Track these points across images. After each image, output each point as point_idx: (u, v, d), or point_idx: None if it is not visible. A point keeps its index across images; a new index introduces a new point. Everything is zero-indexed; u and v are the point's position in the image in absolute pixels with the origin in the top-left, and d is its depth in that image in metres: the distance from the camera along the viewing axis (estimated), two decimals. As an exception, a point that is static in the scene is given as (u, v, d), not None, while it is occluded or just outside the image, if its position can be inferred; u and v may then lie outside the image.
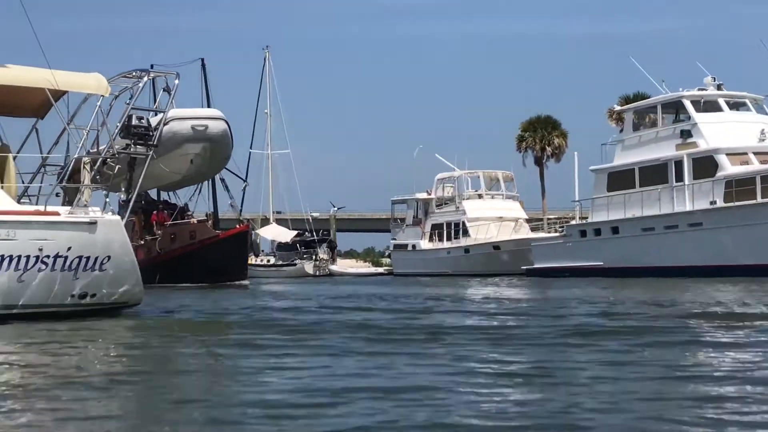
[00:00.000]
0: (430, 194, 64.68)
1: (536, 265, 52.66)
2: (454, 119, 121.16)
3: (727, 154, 43.89)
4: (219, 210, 56.89)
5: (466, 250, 59.78)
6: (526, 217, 62.83)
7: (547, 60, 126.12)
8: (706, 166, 44.48)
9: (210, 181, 52.96)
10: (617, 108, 55.61)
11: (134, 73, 19.49)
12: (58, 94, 19.49)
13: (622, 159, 49.47)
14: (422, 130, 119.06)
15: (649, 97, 61.22)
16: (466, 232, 60.64)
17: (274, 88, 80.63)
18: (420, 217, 64.97)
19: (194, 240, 46.22)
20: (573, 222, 55.57)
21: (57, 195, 19.46)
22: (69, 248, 17.51)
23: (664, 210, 45.91)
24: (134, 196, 19.33)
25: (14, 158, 18.98)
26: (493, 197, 62.68)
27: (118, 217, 18.21)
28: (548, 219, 66.35)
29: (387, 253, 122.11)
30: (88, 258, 17.74)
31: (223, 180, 52.72)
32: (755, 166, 42.94)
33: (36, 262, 17.25)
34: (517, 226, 60.15)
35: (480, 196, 62.61)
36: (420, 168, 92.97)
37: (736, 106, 47.00)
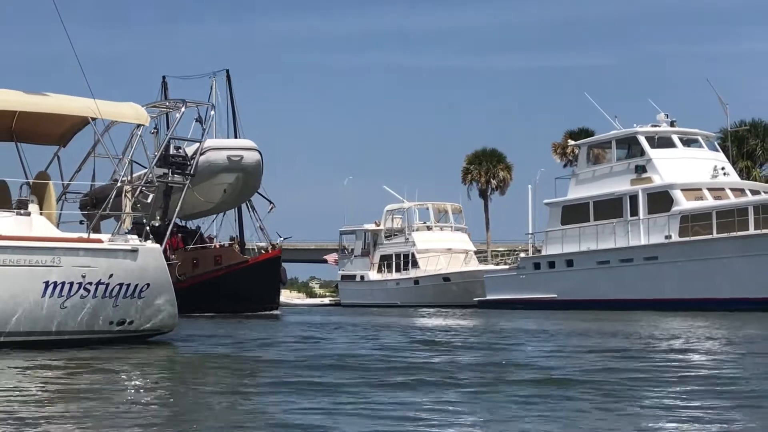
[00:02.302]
0: (378, 225, 64.88)
1: (489, 297, 53.09)
2: (400, 150, 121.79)
3: (682, 190, 44.83)
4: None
5: (416, 281, 60.03)
6: (475, 249, 63.36)
7: (491, 93, 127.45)
8: (661, 200, 45.36)
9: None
10: (571, 142, 56.49)
11: (167, 103, 19.44)
12: (84, 123, 19.42)
13: (576, 193, 50.21)
14: (366, 161, 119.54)
15: (594, 133, 62.65)
16: (415, 264, 60.91)
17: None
18: (368, 248, 65.12)
19: (220, 265, 44.02)
20: (523, 254, 56.26)
21: (81, 222, 19.35)
22: (110, 275, 17.45)
23: (619, 243, 46.67)
24: (172, 223, 19.24)
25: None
26: (441, 229, 63.10)
27: (158, 245, 18.17)
28: (493, 251, 67.04)
29: (317, 284, 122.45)
30: (128, 285, 17.70)
31: (250, 201, 49.30)
32: (710, 201, 43.91)
33: (79, 288, 17.16)
34: (467, 258, 60.62)
35: (429, 228, 62.99)
36: (351, 197, 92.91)
37: (688, 142, 48.09)
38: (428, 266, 59.93)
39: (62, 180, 20.46)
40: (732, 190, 45.23)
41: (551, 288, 49.26)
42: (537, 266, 51.08)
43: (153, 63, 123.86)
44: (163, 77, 57.01)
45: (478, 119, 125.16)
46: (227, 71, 54.04)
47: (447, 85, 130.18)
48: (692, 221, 43.59)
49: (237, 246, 47.59)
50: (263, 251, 46.52)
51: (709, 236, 42.51)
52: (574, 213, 49.54)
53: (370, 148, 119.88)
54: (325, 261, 68.73)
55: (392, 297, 59.94)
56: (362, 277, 64.69)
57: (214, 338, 20.99)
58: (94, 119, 19.11)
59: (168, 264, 18.49)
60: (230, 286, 41.78)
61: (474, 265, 59.66)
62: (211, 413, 9.24)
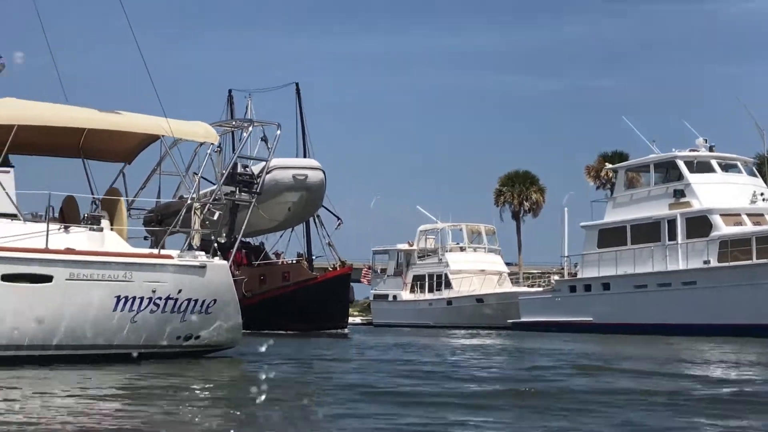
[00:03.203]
0: (411, 245, 65.00)
1: (523, 319, 53.05)
2: (433, 172, 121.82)
3: (721, 215, 44.74)
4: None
5: (449, 302, 60.08)
6: (508, 270, 63.38)
7: (523, 114, 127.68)
8: (699, 225, 45.26)
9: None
10: (609, 166, 56.47)
11: (233, 122, 19.74)
12: (151, 140, 19.73)
13: (614, 216, 50.18)
14: (396, 180, 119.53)
15: (628, 156, 62.63)
16: (448, 284, 60.97)
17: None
18: (401, 268, 65.20)
19: (288, 282, 43.40)
20: (556, 277, 56.22)
21: (145, 238, 19.63)
22: (179, 291, 17.74)
23: (656, 268, 46.55)
24: (238, 241, 19.49)
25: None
26: (475, 250, 63.16)
27: (225, 262, 18.42)
28: (525, 273, 67.01)
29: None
30: (196, 300, 17.98)
31: (318, 217, 48.84)
32: (750, 227, 43.82)
33: (149, 303, 17.43)
34: (500, 279, 60.65)
35: (462, 249, 63.08)
36: (379, 217, 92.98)
37: (727, 167, 47.99)
38: (461, 287, 59.97)
39: (127, 196, 20.72)
40: (771, 216, 45.14)
41: (587, 311, 49.17)
42: (573, 289, 51.03)
43: (218, 75, 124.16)
44: (229, 91, 56.97)
45: (511, 140, 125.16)
46: (296, 84, 53.66)
47: (480, 106, 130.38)
48: (731, 246, 43.48)
49: (305, 262, 47.01)
50: (330, 268, 46.02)
51: (749, 261, 42.38)
52: (611, 236, 49.49)
53: (401, 168, 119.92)
54: (364, 281, 68.58)
55: (425, 317, 60.01)
56: (395, 297, 64.78)
57: (282, 357, 21.01)
58: (161, 137, 19.42)
59: (233, 280, 18.70)
60: (298, 304, 41.25)
61: (507, 287, 59.66)
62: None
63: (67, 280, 16.79)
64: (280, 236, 47.06)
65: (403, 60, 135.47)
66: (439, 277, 61.89)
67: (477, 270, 60.64)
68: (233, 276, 18.61)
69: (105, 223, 18.14)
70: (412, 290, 63.85)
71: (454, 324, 56.27)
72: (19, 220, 17.49)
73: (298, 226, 47.69)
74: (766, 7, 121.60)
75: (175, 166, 19.14)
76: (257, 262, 45.02)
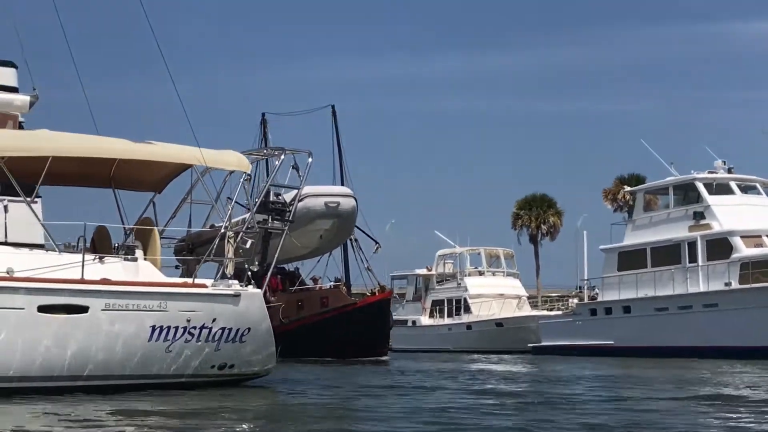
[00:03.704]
0: (430, 270, 64.99)
1: (544, 343, 52.96)
2: (448, 195, 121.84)
3: (742, 237, 44.68)
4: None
5: (469, 326, 60.00)
6: (527, 294, 63.34)
7: (540, 137, 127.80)
8: (720, 247, 45.20)
9: (342, 244, 48.59)
10: (627, 189, 56.47)
11: (265, 150, 19.92)
12: (182, 169, 19.88)
13: (633, 239, 50.12)
14: (412, 205, 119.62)
15: (645, 179, 62.68)
16: (467, 309, 60.90)
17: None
18: (420, 293, 65.16)
19: (327, 308, 42.30)
20: (576, 300, 56.17)
21: (176, 267, 19.78)
22: (214, 320, 17.87)
23: (677, 290, 46.46)
24: (272, 268, 19.61)
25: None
26: (494, 274, 63.09)
27: (259, 290, 18.52)
28: (544, 297, 66.95)
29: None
30: (230, 330, 18.10)
31: (356, 241, 47.97)
32: (771, 248, 43.81)
33: (183, 332, 17.57)
34: (519, 303, 60.60)
35: (481, 273, 63.02)
36: (394, 241, 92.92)
37: (746, 189, 47.98)
38: (481, 311, 59.89)
39: (157, 225, 20.87)
40: (791, 237, 45.09)
41: (608, 334, 49.08)
42: (593, 312, 50.93)
43: (250, 98, 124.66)
44: (263, 114, 56.49)
45: (528, 164, 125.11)
46: (333, 107, 52.67)
47: (497, 129, 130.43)
48: (753, 268, 43.40)
49: (344, 287, 46.09)
50: (368, 293, 45.33)
51: (771, 283, 42.32)
52: (631, 259, 49.43)
53: (417, 193, 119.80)
54: None
55: (444, 342, 59.92)
56: (414, 322, 64.69)
57: (320, 384, 21.02)
58: (193, 166, 19.59)
59: (268, 306, 18.81)
60: (338, 330, 40.35)
61: (527, 311, 59.61)
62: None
63: (102, 310, 16.94)
64: (318, 261, 46.01)
65: (418, 83, 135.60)
66: (458, 301, 61.81)
67: (496, 294, 60.55)
68: (268, 302, 18.71)
69: (139, 252, 18.29)
70: (431, 315, 63.78)
71: (473, 348, 56.17)
72: (54, 251, 17.66)
73: (336, 250, 47.10)
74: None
75: (208, 195, 19.32)
76: (294, 288, 44.41)
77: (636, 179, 64.65)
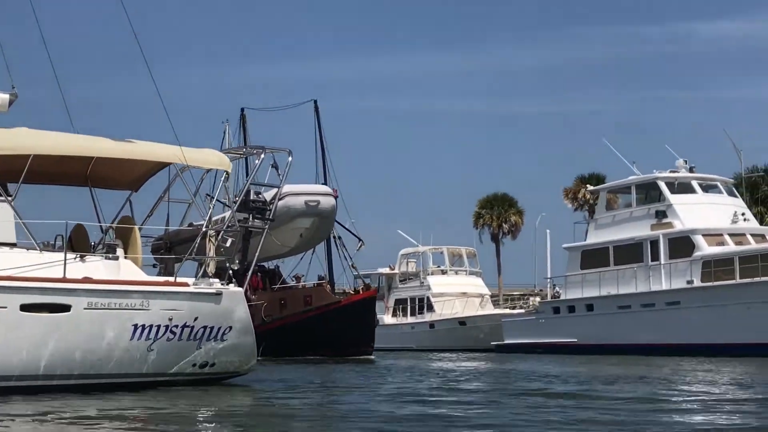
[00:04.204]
0: (393, 269, 65.09)
1: (507, 341, 53.24)
2: (409, 194, 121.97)
3: (703, 235, 45.21)
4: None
5: (431, 325, 60.18)
6: (489, 293, 63.65)
7: (500, 137, 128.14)
8: (682, 246, 45.70)
9: (325, 242, 48.56)
10: (590, 188, 56.91)
11: (244, 149, 19.92)
12: (159, 168, 19.83)
13: (596, 237, 50.55)
14: (374, 204, 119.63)
15: (605, 178, 63.24)
16: (430, 308, 61.08)
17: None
18: (383, 292, 65.20)
19: (310, 306, 42.12)
20: (537, 298, 56.57)
21: (154, 266, 19.71)
22: (196, 318, 17.85)
23: (640, 288, 46.92)
24: (252, 267, 19.61)
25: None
26: (456, 273, 63.34)
27: (240, 289, 18.51)
28: (505, 295, 67.31)
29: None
30: (212, 328, 18.07)
31: (339, 238, 47.90)
32: (732, 246, 44.31)
33: (165, 331, 17.53)
34: (482, 302, 60.87)
35: (444, 272, 63.25)
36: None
37: (707, 188, 48.53)
38: (444, 310, 60.10)
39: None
40: (753, 235, 45.67)
41: (571, 332, 49.47)
42: (557, 310, 51.31)
43: (227, 95, 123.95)
44: (242, 110, 55.70)
45: (489, 163, 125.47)
46: (315, 102, 51.92)
47: (458, 128, 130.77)
48: (714, 266, 43.92)
49: (327, 285, 45.87)
50: (351, 291, 45.22)
51: (732, 281, 42.84)
52: (594, 257, 49.83)
53: (379, 191, 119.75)
54: None
55: (407, 341, 60.04)
56: (377, 321, 64.66)
57: (301, 384, 20.98)
58: (170, 164, 19.55)
59: (250, 305, 18.81)
60: (322, 329, 40.14)
61: (490, 309, 59.90)
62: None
63: (85, 309, 16.88)
64: (300, 259, 45.78)
65: (381, 82, 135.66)
66: (421, 300, 61.97)
67: (459, 293, 60.78)
68: (249, 300, 18.72)
69: (119, 251, 18.23)
70: (394, 314, 63.89)
71: (436, 347, 56.37)
72: (35, 249, 17.56)
73: (319, 248, 46.98)
74: (737, 30, 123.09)
75: (189, 193, 19.30)
76: (277, 286, 44.09)
77: (596, 178, 65.19)
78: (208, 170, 20.30)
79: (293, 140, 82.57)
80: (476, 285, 62.74)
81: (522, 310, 57.07)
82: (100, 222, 20.35)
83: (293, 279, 46.06)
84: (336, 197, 43.65)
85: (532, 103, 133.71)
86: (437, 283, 61.68)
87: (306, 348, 39.74)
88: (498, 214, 70.00)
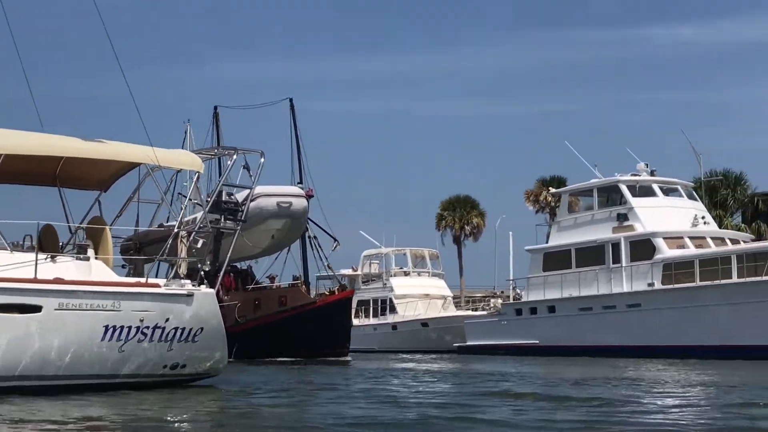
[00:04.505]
0: (355, 271, 65.15)
1: (469, 343, 53.47)
2: (372, 195, 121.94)
3: (664, 238, 45.63)
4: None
5: (394, 326, 60.34)
6: (452, 294, 63.88)
7: (465, 139, 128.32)
8: (643, 248, 46.11)
9: (300, 242, 48.13)
10: (553, 190, 57.28)
11: (215, 150, 19.92)
12: (128, 168, 19.80)
13: (558, 240, 50.88)
14: (336, 205, 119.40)
15: (566, 181, 63.72)
16: (393, 309, 61.23)
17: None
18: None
19: (285, 307, 41.58)
20: (499, 300, 56.85)
21: (123, 266, 19.68)
22: (167, 319, 17.82)
23: (601, 290, 47.30)
24: (225, 268, 19.61)
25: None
26: (419, 275, 63.53)
27: (212, 291, 18.51)
28: (467, 297, 67.58)
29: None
30: (183, 329, 18.03)
31: (315, 238, 47.44)
32: (693, 250, 44.78)
33: (137, 332, 17.49)
34: (445, 303, 61.10)
35: (406, 274, 63.42)
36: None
37: (668, 191, 49.04)
38: (406, 312, 60.28)
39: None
40: (712, 239, 46.16)
41: (533, 334, 49.79)
42: (519, 312, 51.59)
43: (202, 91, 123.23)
44: (215, 108, 55.11)
45: (452, 165, 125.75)
46: (291, 100, 50.99)
47: (420, 131, 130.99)
48: (675, 269, 44.36)
49: (303, 286, 45.32)
50: (327, 292, 44.84)
51: (692, 284, 43.28)
52: (556, 260, 50.15)
53: (342, 192, 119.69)
54: None
55: (370, 342, 60.11)
56: (350, 323, 64.71)
57: (274, 386, 20.94)
58: (139, 165, 19.53)
59: (223, 305, 18.83)
60: (297, 330, 39.65)
61: (452, 311, 60.14)
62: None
63: (56, 310, 16.82)
64: (275, 259, 45.36)
65: (342, 83, 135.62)
66: (383, 301, 62.08)
67: (421, 294, 60.97)
68: (222, 301, 18.72)
69: (90, 252, 18.18)
70: (356, 315, 63.74)
71: (399, 348, 56.56)
72: (5, 249, 17.49)
73: (294, 248, 46.70)
74: (696, 34, 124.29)
75: (160, 192, 19.27)
76: (251, 287, 43.66)
77: (557, 181, 65.67)
78: (179, 171, 20.28)
79: (269, 139, 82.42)
80: (439, 287, 62.96)
81: (484, 312, 57.32)
82: (68, 222, 20.28)
83: (267, 279, 45.69)
84: (311, 196, 43.88)
85: (495, 105, 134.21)
86: (400, 285, 61.82)
87: (280, 349, 39.40)
88: (460, 216, 70.30)
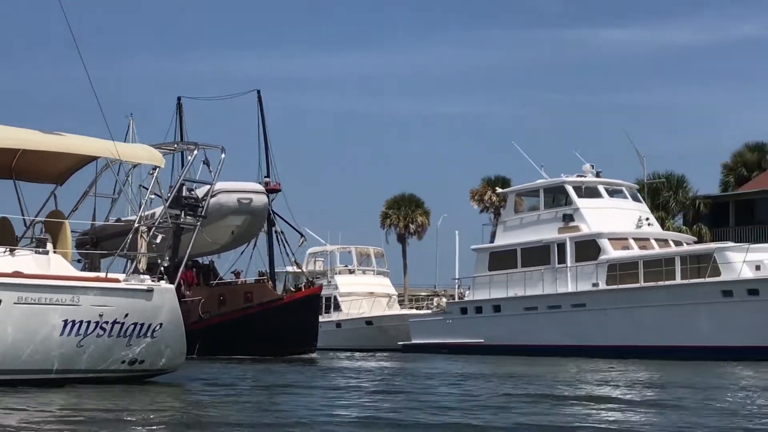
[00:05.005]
0: (300, 268, 64.85)
1: (414, 341, 53.60)
2: (317, 192, 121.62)
3: (609, 239, 46.11)
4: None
5: (338, 324, 60.28)
6: (396, 293, 63.98)
7: (408, 138, 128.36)
8: (588, 249, 46.56)
9: (267, 237, 47.06)
10: (499, 190, 57.58)
11: (175, 145, 19.80)
12: (85, 162, 19.63)
13: (504, 239, 51.16)
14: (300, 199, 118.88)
15: (510, 181, 64.16)
16: (337, 307, 61.17)
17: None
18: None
19: (251, 303, 41.07)
20: (444, 299, 57.06)
21: (78, 261, 19.50)
22: (126, 315, 17.70)
23: (546, 290, 47.66)
24: (184, 263, 19.47)
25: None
26: (364, 273, 63.54)
27: (172, 286, 18.39)
28: (411, 295, 67.76)
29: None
30: (142, 325, 17.91)
31: (282, 233, 46.80)
32: (637, 251, 45.30)
33: (96, 327, 17.34)
34: (389, 302, 61.18)
35: (351, 272, 63.39)
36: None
37: (613, 193, 49.56)
38: (351, 309, 60.25)
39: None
40: (656, 240, 46.72)
41: (478, 333, 50.02)
42: (464, 311, 51.80)
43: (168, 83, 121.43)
44: (179, 98, 54.28)
45: (397, 164, 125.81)
46: (258, 92, 49.72)
47: (366, 128, 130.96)
48: (620, 270, 44.83)
49: (269, 282, 44.71)
50: (292, 288, 44.36)
51: (636, 285, 43.78)
52: (501, 259, 50.43)
53: (286, 189, 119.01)
54: None
55: (314, 340, 59.95)
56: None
57: (235, 383, 20.81)
58: (97, 159, 19.37)
59: (185, 301, 18.75)
60: (264, 326, 39.11)
61: (397, 309, 60.23)
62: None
63: (15, 303, 16.63)
64: (241, 254, 44.70)
65: (291, 81, 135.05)
66: (328, 299, 61.80)
67: (366, 292, 60.98)
68: (184, 296, 18.62)
69: (49, 246, 17.98)
70: (300, 313, 63.69)
71: (343, 347, 56.49)
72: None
73: (261, 243, 46.06)
74: (636, 36, 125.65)
75: (120, 186, 19.12)
76: (215, 282, 43.06)
77: (502, 181, 66.13)
78: (135, 165, 20.13)
79: (236, 134, 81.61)
80: (384, 285, 63.02)
81: (429, 311, 57.49)
82: (23, 215, 20.07)
83: (232, 275, 45.11)
84: (278, 190, 43.48)
85: (441, 104, 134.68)
86: (345, 283, 61.79)
87: (246, 346, 38.99)
88: (405, 215, 70.50)
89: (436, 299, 63.24)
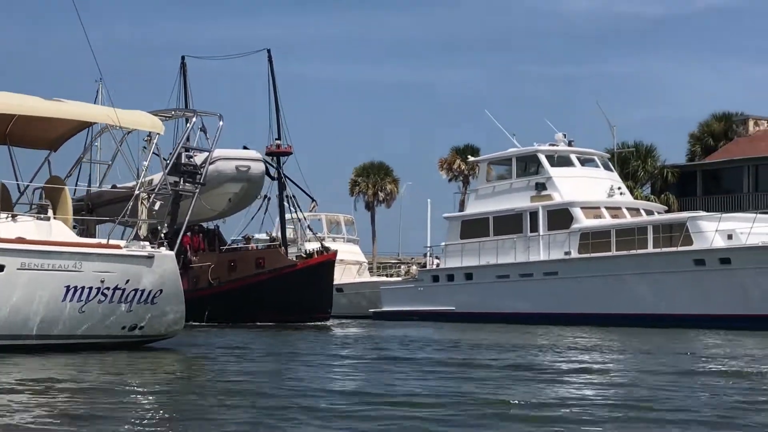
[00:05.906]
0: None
1: (384, 308, 53.83)
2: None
3: (582, 208, 46.47)
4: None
5: (308, 291, 60.20)
6: (366, 260, 64.06)
7: (377, 105, 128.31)
8: (560, 218, 46.88)
9: (278, 200, 46.22)
10: (471, 159, 57.72)
11: (173, 112, 19.74)
12: (80, 128, 19.55)
13: (476, 208, 51.38)
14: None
15: (478, 150, 64.40)
16: (308, 274, 61.04)
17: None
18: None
19: (263, 269, 40.33)
20: (414, 267, 57.33)
21: (74, 227, 19.44)
22: (127, 281, 17.74)
23: (519, 258, 47.97)
24: (183, 229, 19.48)
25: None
26: (334, 240, 63.42)
27: (172, 252, 18.42)
28: (379, 263, 67.95)
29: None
30: (143, 291, 17.93)
31: (294, 197, 46.02)
32: (609, 219, 45.70)
33: (97, 293, 17.34)
34: (360, 269, 61.25)
35: (321, 239, 63.23)
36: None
37: (585, 162, 49.89)
38: (321, 277, 60.13)
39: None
40: (628, 209, 47.14)
41: (450, 300, 50.30)
42: (436, 279, 52.06)
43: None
44: (182, 57, 53.29)
45: (366, 132, 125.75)
46: (269, 51, 47.90)
47: (336, 96, 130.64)
48: (592, 238, 45.20)
49: (281, 247, 43.88)
50: (306, 254, 43.57)
51: (608, 253, 44.18)
52: (474, 227, 50.66)
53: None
54: None
55: (283, 306, 59.94)
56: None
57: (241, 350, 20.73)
58: (92, 125, 19.29)
59: (192, 267, 18.78)
60: (276, 293, 38.61)
61: (366, 277, 60.31)
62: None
63: (18, 269, 16.60)
64: (252, 219, 44.30)
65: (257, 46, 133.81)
66: (298, 267, 61.79)
67: (337, 260, 60.86)
68: (191, 262, 18.62)
69: (50, 212, 17.94)
70: (270, 280, 63.65)
71: (313, 313, 56.50)
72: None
73: (273, 207, 45.57)
74: (607, 6, 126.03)
75: (123, 155, 19.09)
76: (225, 248, 42.25)
77: (471, 150, 66.29)
78: (130, 132, 20.06)
79: (244, 96, 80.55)
80: (353, 252, 63.00)
81: (399, 278, 57.69)
82: (17, 180, 19.98)
83: (243, 240, 44.18)
84: (290, 153, 42.97)
85: (411, 72, 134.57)
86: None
87: (257, 313, 38.59)
88: (374, 183, 70.59)
89: (404, 267, 63.50)
